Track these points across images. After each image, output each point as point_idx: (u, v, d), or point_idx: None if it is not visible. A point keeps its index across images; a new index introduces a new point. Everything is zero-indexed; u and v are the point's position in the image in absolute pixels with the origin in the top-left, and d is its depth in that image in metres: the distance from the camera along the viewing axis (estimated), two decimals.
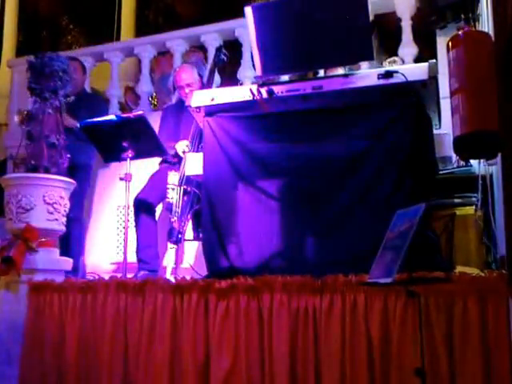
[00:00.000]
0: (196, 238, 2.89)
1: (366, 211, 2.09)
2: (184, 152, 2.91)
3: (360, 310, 1.87)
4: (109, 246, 3.72)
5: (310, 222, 2.20)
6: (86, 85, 3.90)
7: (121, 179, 2.87)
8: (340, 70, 2.75)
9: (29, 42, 6.39)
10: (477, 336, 1.72)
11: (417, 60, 3.28)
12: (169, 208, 2.85)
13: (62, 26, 6.82)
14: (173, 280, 2.33)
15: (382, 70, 2.19)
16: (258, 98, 2.26)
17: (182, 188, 2.76)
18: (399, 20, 3.49)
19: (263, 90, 2.27)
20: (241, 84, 3.66)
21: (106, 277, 2.46)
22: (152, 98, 4.88)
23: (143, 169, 3.19)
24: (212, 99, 2.38)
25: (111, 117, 2.90)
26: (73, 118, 3.18)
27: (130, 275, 2.71)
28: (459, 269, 1.91)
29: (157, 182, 3.07)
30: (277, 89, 2.27)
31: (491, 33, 1.80)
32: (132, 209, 3.02)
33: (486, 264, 2.08)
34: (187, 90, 3.11)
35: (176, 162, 2.98)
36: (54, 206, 2.70)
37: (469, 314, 1.75)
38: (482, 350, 1.71)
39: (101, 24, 6.24)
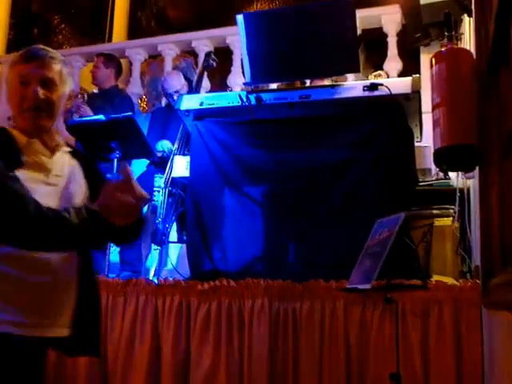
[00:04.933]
0: (180, 240, 2.89)
1: (347, 219, 2.14)
2: (165, 151, 2.93)
3: (339, 315, 1.92)
4: None
5: (293, 227, 2.24)
6: (114, 81, 3.58)
7: (108, 180, 2.86)
8: (326, 82, 2.81)
9: (19, 39, 6.33)
10: (451, 342, 1.78)
11: (401, 74, 3.37)
12: (154, 210, 2.85)
13: (53, 25, 6.78)
14: (155, 281, 2.33)
15: (367, 83, 2.26)
16: (247, 104, 2.30)
17: (167, 190, 2.77)
18: (385, 35, 3.59)
19: (252, 97, 2.32)
20: (230, 90, 3.70)
21: None
22: (141, 100, 4.89)
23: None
24: (201, 104, 2.42)
25: (100, 117, 2.89)
26: (96, 114, 3.05)
27: (112, 275, 2.70)
28: (435, 277, 1.97)
29: (142, 184, 3.06)
30: (265, 96, 2.32)
31: (473, 51, 1.88)
32: None
33: (461, 273, 2.14)
34: (175, 97, 3.15)
35: (159, 161, 2.98)
36: None
37: (444, 320, 1.82)
38: (455, 356, 1.77)
39: (93, 25, 6.23)
